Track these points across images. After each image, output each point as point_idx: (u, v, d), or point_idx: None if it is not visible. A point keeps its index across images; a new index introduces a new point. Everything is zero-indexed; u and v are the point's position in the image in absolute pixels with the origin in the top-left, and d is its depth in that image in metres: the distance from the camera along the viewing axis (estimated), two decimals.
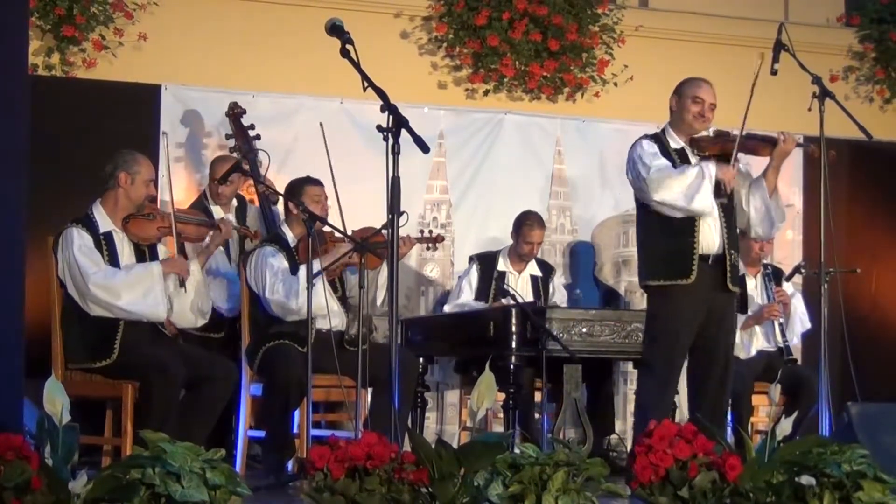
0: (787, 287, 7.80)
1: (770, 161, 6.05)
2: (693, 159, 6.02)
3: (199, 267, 6.35)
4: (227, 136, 7.49)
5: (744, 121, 5.93)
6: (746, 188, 6.08)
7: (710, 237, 5.94)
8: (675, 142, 6.05)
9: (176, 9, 7.88)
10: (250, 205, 7.49)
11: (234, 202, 7.33)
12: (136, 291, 5.94)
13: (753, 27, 8.76)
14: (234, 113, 7.45)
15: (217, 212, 7.13)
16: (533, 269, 7.78)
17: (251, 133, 7.43)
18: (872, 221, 9.10)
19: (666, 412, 5.93)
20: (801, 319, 7.71)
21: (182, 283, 6.12)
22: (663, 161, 5.94)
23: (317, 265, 6.12)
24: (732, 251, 5.98)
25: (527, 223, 7.68)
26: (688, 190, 5.84)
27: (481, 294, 7.68)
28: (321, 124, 6.44)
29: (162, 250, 6.28)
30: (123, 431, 5.88)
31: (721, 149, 6.01)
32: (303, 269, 6.05)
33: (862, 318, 8.71)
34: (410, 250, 7.02)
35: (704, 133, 6.05)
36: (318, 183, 6.58)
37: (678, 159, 6.00)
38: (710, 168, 5.88)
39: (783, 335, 7.55)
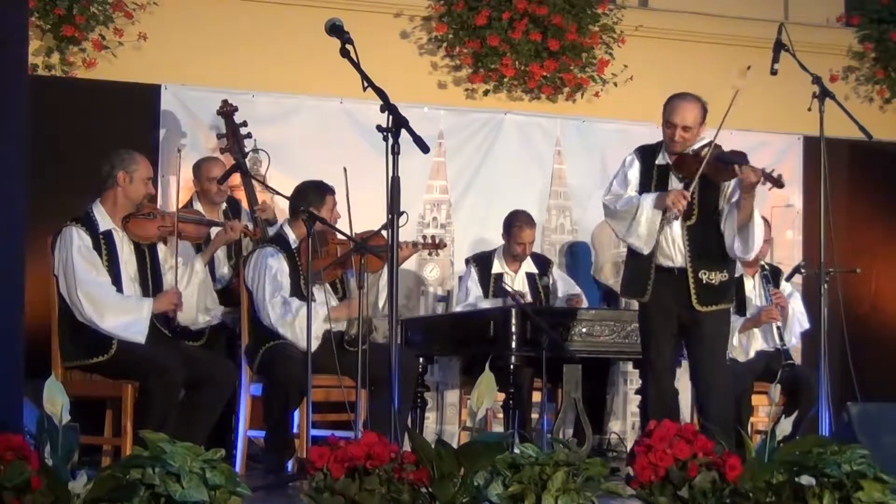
0: (785, 287, 7.79)
1: (739, 191, 5.97)
2: (673, 179, 6.03)
3: (203, 265, 6.36)
4: (219, 136, 7.44)
5: (716, 133, 5.90)
6: (727, 209, 6.03)
7: (667, 253, 6.01)
8: (663, 158, 6.08)
9: (176, 9, 7.88)
10: (245, 210, 7.43)
11: (224, 205, 7.27)
12: (120, 319, 5.93)
13: (753, 27, 8.76)
14: (226, 111, 7.36)
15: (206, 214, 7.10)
16: (528, 266, 7.77)
17: (243, 131, 7.35)
18: (872, 221, 9.10)
19: (659, 416, 5.94)
20: (799, 320, 7.71)
21: (174, 316, 6.12)
22: (617, 187, 6.09)
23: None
24: (703, 270, 5.96)
25: (516, 224, 7.66)
26: (628, 227, 5.99)
27: (484, 294, 7.68)
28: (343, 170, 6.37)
29: (162, 249, 6.28)
30: (123, 431, 5.87)
31: (694, 171, 5.95)
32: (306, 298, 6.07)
33: (862, 318, 8.71)
34: (412, 255, 7.02)
35: (690, 150, 6.02)
36: (334, 191, 6.57)
37: (656, 177, 6.04)
38: (647, 203, 5.92)
39: (781, 339, 7.54)
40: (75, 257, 5.92)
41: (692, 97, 6.03)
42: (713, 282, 5.98)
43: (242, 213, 7.30)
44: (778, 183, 5.80)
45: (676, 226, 5.98)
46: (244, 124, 7.37)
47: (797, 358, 7.92)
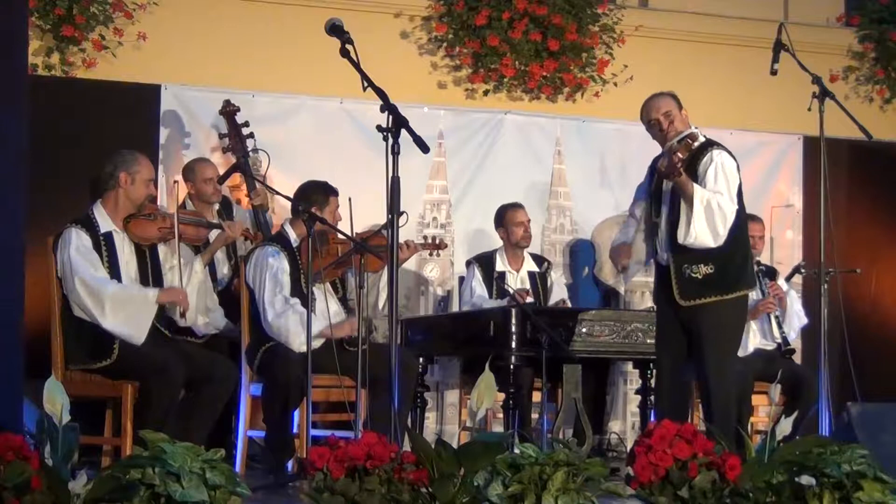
0: (783, 286, 7.79)
1: None
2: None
3: (203, 266, 6.36)
4: (221, 135, 7.46)
5: None
6: None
7: (659, 251, 6.04)
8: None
9: (176, 9, 7.88)
10: (237, 206, 7.41)
11: (216, 205, 7.24)
12: (120, 313, 5.90)
13: (753, 27, 8.76)
14: (228, 111, 7.38)
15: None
16: (530, 265, 7.77)
17: (245, 131, 7.37)
18: (872, 221, 9.10)
19: (662, 413, 5.97)
20: (797, 315, 7.71)
21: (182, 314, 6.11)
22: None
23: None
24: (686, 263, 5.91)
25: (510, 209, 7.69)
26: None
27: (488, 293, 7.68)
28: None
29: (162, 250, 6.28)
30: (123, 431, 5.88)
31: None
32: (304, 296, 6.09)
33: (862, 318, 8.72)
34: (412, 256, 7.01)
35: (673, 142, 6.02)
36: (337, 193, 6.58)
37: (654, 182, 6.11)
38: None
39: (780, 327, 7.53)
40: (73, 254, 5.93)
41: (654, 94, 6.06)
42: (697, 275, 5.92)
43: (235, 212, 7.29)
44: (666, 172, 5.78)
45: (664, 223, 5.99)
46: (246, 124, 7.38)
47: (797, 358, 7.92)
